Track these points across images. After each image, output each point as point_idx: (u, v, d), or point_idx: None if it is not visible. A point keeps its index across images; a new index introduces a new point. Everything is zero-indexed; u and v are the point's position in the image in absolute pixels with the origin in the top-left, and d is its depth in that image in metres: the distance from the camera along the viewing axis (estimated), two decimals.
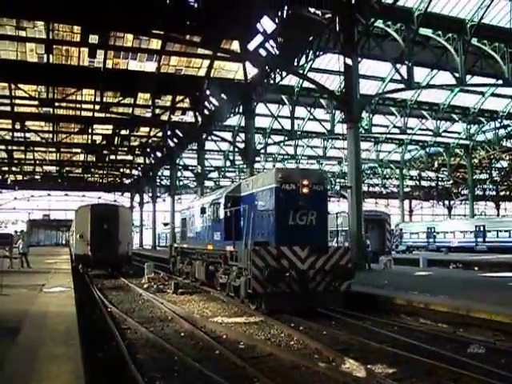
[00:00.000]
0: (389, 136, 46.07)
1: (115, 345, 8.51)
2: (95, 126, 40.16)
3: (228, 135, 40.59)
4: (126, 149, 48.69)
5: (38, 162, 54.09)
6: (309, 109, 35.66)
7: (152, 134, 43.05)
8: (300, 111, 36.54)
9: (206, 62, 28.90)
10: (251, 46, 25.15)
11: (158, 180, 60.88)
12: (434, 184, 68.05)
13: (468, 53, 25.05)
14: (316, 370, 6.90)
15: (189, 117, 37.87)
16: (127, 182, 70.48)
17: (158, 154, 49.68)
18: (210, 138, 40.97)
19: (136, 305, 13.77)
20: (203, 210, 16.53)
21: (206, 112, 34.92)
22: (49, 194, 72.28)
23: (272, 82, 28.55)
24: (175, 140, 43.03)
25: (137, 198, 69.46)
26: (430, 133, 42.30)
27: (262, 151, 41.99)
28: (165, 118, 37.00)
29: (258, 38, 24.52)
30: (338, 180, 61.88)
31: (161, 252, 41.99)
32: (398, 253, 38.14)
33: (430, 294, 12.31)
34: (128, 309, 12.94)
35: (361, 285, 13.51)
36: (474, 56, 27.21)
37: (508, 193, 72.17)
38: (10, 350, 6.28)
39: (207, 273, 15.56)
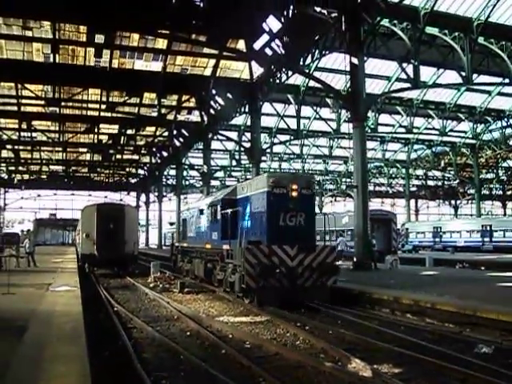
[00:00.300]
0: (395, 135, 45.96)
1: (121, 344, 8.52)
2: (101, 126, 40.34)
3: (234, 134, 40.64)
4: (131, 148, 48.84)
5: (44, 161, 54.36)
6: (315, 108, 35.67)
7: (158, 133, 43.16)
8: (306, 110, 36.55)
9: (212, 62, 28.96)
10: (257, 45, 25.20)
11: (164, 179, 61.02)
12: (440, 183, 67.80)
13: (474, 52, 24.88)
14: (322, 370, 6.86)
15: (195, 116, 37.94)
16: (133, 181, 70.71)
17: (164, 154, 49.76)
18: (215, 137, 41.06)
19: (142, 304, 13.79)
20: (202, 211, 17.35)
21: (212, 111, 34.95)
22: (55, 194, 72.76)
23: (278, 81, 28.57)
24: (181, 139, 43.11)
25: (143, 197, 69.68)
26: (437, 132, 42.22)
27: (268, 150, 41.93)
28: (171, 117, 37.09)
29: (264, 38, 24.60)
30: (343, 179, 61.80)
31: (167, 251, 41.83)
32: (404, 252, 38.03)
33: (436, 293, 12.28)
34: (134, 308, 12.96)
35: (367, 284, 13.47)
36: (480, 55, 27.07)
37: None
38: (18, 349, 6.31)
39: (206, 270, 16.45)
